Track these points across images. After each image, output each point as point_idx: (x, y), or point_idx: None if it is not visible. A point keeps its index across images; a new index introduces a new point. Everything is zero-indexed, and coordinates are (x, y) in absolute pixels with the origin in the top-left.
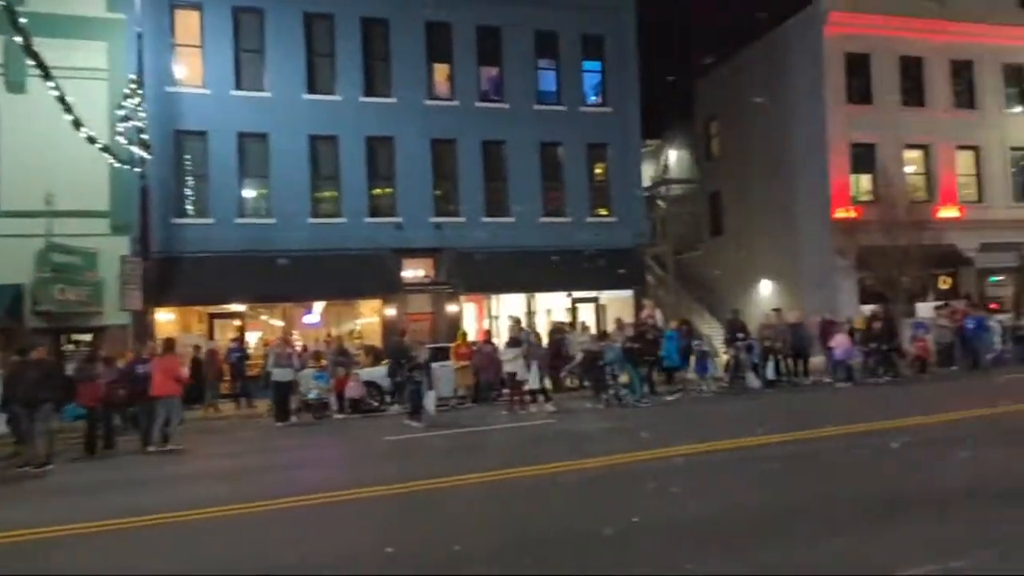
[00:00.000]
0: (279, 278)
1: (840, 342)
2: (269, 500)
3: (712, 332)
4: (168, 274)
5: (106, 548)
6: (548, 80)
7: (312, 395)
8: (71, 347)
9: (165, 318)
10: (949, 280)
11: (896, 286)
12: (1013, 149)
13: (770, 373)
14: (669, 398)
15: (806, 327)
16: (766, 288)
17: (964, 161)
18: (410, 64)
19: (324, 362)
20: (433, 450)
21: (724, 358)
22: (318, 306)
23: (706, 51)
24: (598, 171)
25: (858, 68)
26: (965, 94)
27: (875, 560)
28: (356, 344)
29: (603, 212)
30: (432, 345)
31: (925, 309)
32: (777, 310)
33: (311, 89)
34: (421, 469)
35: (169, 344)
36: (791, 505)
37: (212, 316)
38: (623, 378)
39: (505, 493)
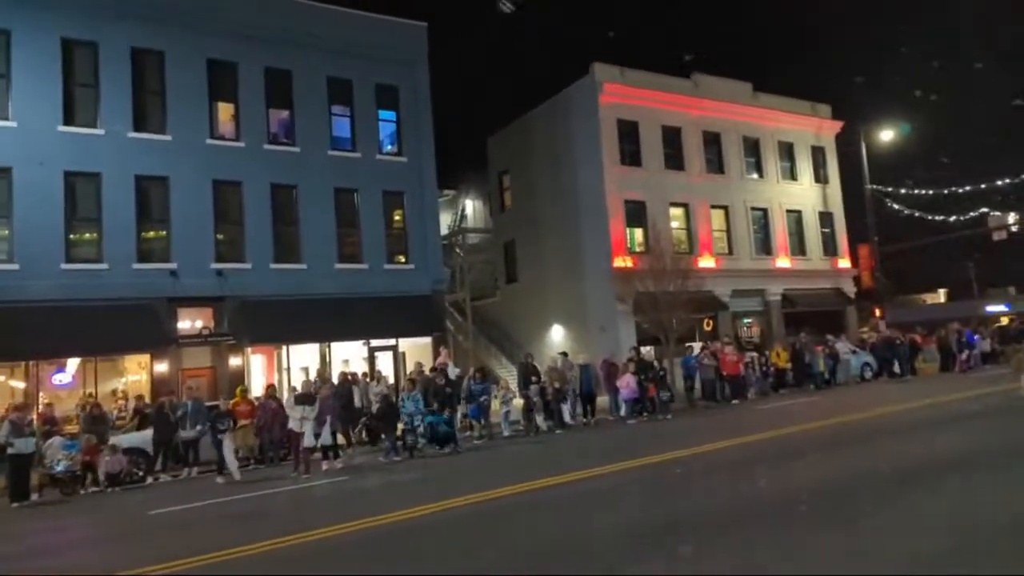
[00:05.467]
0: (21, 332)
1: (627, 382)
2: None
3: (509, 377)
4: None
5: None
6: (342, 126)
7: (59, 467)
8: None
9: None
10: (711, 323)
11: (667, 329)
12: (753, 209)
13: (566, 414)
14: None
15: (593, 368)
16: (558, 333)
17: (717, 218)
18: (188, 101)
19: (76, 428)
20: (204, 522)
21: (519, 402)
22: (72, 363)
23: (498, 108)
24: (396, 218)
25: (629, 134)
26: (715, 161)
27: None
28: (119, 406)
29: (401, 259)
30: (210, 403)
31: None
32: (563, 354)
33: (68, 121)
34: (184, 546)
35: None
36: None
37: None
38: (420, 428)
39: (272, 565)
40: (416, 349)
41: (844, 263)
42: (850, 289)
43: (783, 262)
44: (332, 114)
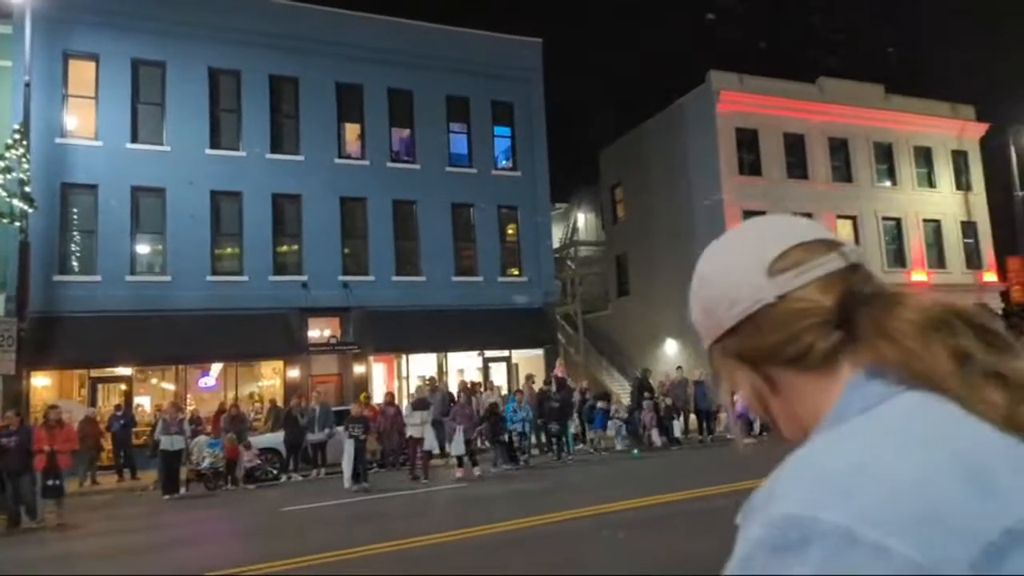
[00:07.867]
0: (172, 339)
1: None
2: None
3: (621, 391)
4: (47, 335)
5: None
6: (459, 143)
7: (205, 464)
8: None
9: (41, 383)
10: None
11: None
12: (885, 219)
13: (677, 431)
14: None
15: (709, 385)
16: (671, 347)
17: (844, 229)
18: (319, 123)
19: (219, 428)
20: (331, 522)
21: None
22: (215, 368)
23: (610, 121)
24: (509, 232)
25: (748, 142)
26: (842, 168)
27: None
28: (255, 408)
29: (514, 272)
30: (336, 408)
31: None
32: (679, 368)
33: (214, 144)
34: (311, 543)
35: (57, 414)
36: None
37: (95, 380)
38: (532, 438)
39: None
40: (528, 361)
41: (990, 276)
42: (997, 305)
43: (919, 275)
44: (450, 131)
